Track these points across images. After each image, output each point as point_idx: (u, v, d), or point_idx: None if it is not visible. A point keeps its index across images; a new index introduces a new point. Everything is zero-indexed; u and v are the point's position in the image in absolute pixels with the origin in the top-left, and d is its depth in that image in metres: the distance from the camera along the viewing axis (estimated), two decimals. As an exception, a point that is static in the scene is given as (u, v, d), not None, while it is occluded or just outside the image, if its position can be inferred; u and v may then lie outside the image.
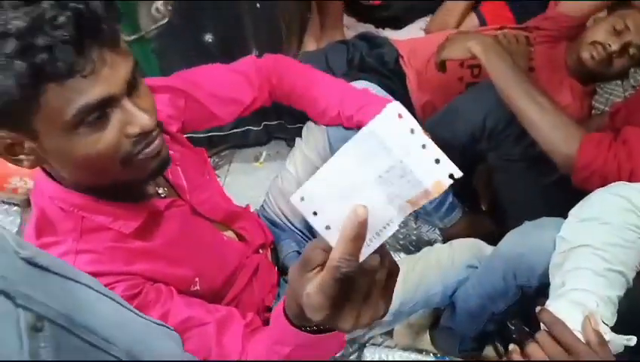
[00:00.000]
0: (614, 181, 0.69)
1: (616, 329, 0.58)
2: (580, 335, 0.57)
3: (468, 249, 0.91)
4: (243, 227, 0.81)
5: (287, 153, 1.37)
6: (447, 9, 1.43)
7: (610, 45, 1.09)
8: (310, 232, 0.93)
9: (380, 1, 1.54)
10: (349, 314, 0.37)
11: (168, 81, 0.77)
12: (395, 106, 0.35)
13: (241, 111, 0.84)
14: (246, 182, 1.37)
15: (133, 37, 1.19)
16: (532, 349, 0.57)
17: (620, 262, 0.59)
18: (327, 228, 0.36)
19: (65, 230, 0.57)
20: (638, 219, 0.61)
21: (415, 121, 0.35)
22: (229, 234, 0.78)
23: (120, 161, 0.53)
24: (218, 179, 0.90)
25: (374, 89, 0.89)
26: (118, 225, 0.59)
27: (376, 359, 1.06)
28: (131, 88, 0.52)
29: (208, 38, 1.40)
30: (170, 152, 0.59)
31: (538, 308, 0.61)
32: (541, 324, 0.60)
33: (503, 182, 1.05)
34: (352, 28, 1.58)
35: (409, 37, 1.42)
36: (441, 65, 1.02)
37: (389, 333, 1.06)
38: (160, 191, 0.66)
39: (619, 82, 1.25)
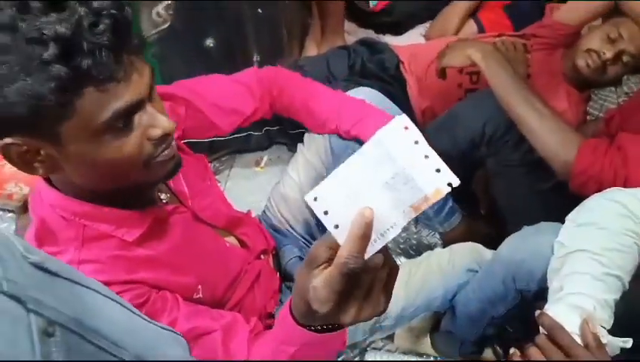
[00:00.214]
0: (610, 186, 0.70)
1: (613, 331, 0.60)
2: (578, 339, 0.58)
3: (468, 253, 0.92)
4: (245, 233, 0.81)
5: (288, 158, 1.38)
6: (446, 16, 1.45)
7: (604, 53, 1.11)
8: (312, 238, 0.93)
9: (381, 7, 1.56)
10: (351, 308, 0.41)
11: (169, 88, 0.77)
12: (402, 119, 0.39)
13: (241, 121, 0.85)
14: (247, 187, 1.38)
15: (135, 42, 1.20)
16: (532, 352, 0.58)
17: (617, 267, 0.61)
18: (336, 226, 0.39)
19: (66, 239, 0.57)
20: (634, 225, 0.63)
21: (420, 133, 0.38)
22: (231, 240, 0.79)
23: (142, 163, 0.54)
24: (219, 185, 0.90)
25: (376, 96, 0.91)
26: (121, 232, 0.59)
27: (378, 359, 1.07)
28: (151, 91, 0.54)
29: (209, 42, 1.41)
30: None
31: (537, 312, 0.62)
32: (540, 328, 0.61)
33: (501, 188, 1.07)
34: (352, 33, 1.60)
35: (409, 43, 1.44)
36: (442, 72, 1.03)
37: (390, 337, 1.07)
38: (162, 197, 0.66)
39: (612, 89, 1.27)
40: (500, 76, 0.88)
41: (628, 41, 1.11)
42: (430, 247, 1.22)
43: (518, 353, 0.60)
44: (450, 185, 0.37)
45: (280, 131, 1.33)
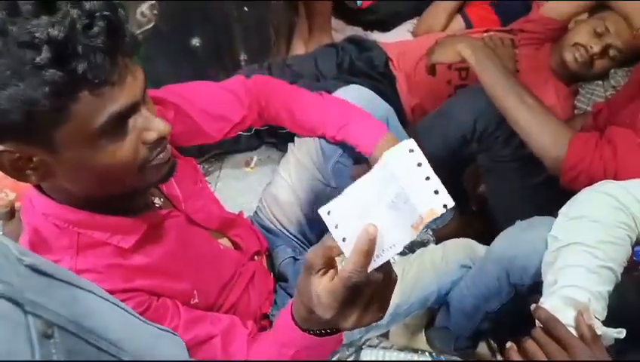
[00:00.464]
0: (600, 180, 0.71)
1: (607, 322, 0.60)
2: (573, 330, 0.58)
3: (461, 249, 0.92)
4: (238, 234, 0.81)
5: (278, 158, 1.37)
6: (433, 12, 1.45)
7: (591, 47, 1.13)
8: (305, 238, 0.93)
9: (368, 5, 1.56)
10: (352, 315, 0.45)
11: (158, 92, 0.76)
12: (409, 142, 0.42)
13: (229, 128, 0.84)
14: (237, 187, 1.36)
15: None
16: (528, 345, 0.59)
17: (610, 259, 0.61)
18: (344, 240, 0.43)
19: (60, 247, 0.56)
20: (625, 217, 0.63)
21: (423, 156, 0.41)
22: (225, 241, 0.78)
23: (138, 167, 0.54)
24: (209, 186, 0.90)
25: (366, 94, 0.90)
26: (116, 239, 0.58)
27: (373, 360, 1.07)
28: (144, 95, 0.53)
29: (195, 42, 1.39)
30: None
31: (533, 306, 0.63)
32: (536, 321, 0.62)
33: (493, 183, 1.07)
34: (340, 31, 1.59)
35: (397, 39, 1.44)
36: (431, 69, 1.03)
37: (386, 334, 1.07)
38: (155, 201, 0.66)
39: (600, 83, 1.29)
40: (490, 71, 0.88)
41: (614, 35, 1.12)
42: (423, 244, 1.22)
43: (515, 346, 0.61)
44: (445, 206, 0.39)
45: (269, 131, 1.31)
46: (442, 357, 1.04)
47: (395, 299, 0.87)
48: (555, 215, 0.71)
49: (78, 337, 0.30)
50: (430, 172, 0.39)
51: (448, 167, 1.08)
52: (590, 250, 0.62)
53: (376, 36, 1.52)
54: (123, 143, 0.51)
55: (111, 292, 0.51)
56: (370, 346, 1.08)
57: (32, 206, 0.57)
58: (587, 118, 1.12)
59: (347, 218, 0.42)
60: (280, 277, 0.88)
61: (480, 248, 0.91)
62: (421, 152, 0.40)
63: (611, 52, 1.13)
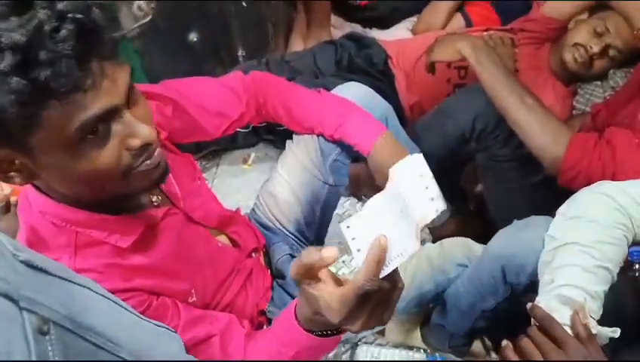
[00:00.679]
0: (598, 181, 0.71)
1: (601, 321, 0.61)
2: (569, 329, 0.59)
3: (458, 248, 0.92)
4: (236, 231, 0.81)
5: (275, 155, 1.37)
6: (433, 10, 1.45)
7: (591, 47, 1.13)
8: (302, 235, 0.93)
9: (367, 2, 1.55)
10: (360, 320, 0.47)
11: (155, 88, 0.75)
12: (414, 157, 0.45)
13: (228, 125, 0.83)
14: (234, 184, 1.36)
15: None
16: (524, 343, 0.59)
17: (607, 259, 0.62)
18: (358, 250, 0.46)
19: (58, 246, 0.55)
20: (623, 218, 0.64)
21: (426, 167, 0.44)
22: (223, 239, 0.78)
23: (120, 175, 0.52)
24: (206, 183, 0.89)
25: (365, 92, 0.90)
26: (114, 239, 0.57)
27: (369, 357, 1.07)
28: (130, 97, 0.50)
29: (193, 37, 1.38)
30: None
31: (529, 305, 0.63)
32: (532, 319, 0.62)
33: (491, 182, 1.08)
34: (339, 27, 1.59)
35: (396, 37, 1.44)
36: (431, 67, 1.03)
37: (381, 332, 1.08)
38: (154, 199, 0.65)
39: (599, 83, 1.29)
40: (490, 70, 0.88)
41: (614, 35, 1.12)
42: (420, 243, 1.22)
43: (511, 345, 0.61)
44: (437, 210, 0.43)
45: (267, 128, 1.31)
46: (437, 355, 1.05)
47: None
48: (552, 214, 0.71)
49: (75, 334, 0.30)
50: (429, 182, 0.43)
51: (446, 165, 1.08)
52: (587, 250, 0.62)
53: (376, 33, 1.52)
54: (104, 150, 0.49)
55: (111, 292, 0.51)
56: (365, 343, 1.09)
57: (29, 204, 0.57)
58: (585, 119, 1.12)
59: (363, 231, 0.46)
60: (277, 274, 0.88)
61: (477, 247, 0.92)
62: (425, 164, 0.43)
63: (611, 52, 1.13)
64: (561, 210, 0.70)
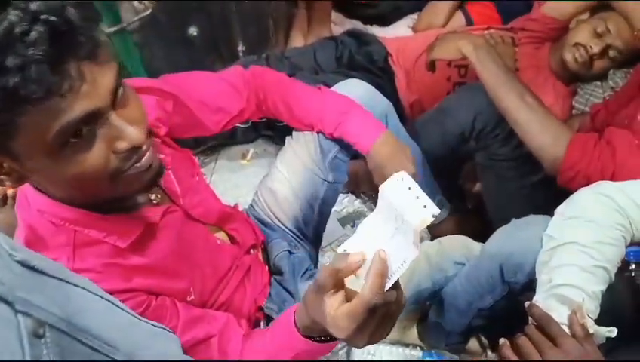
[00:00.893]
0: (597, 181, 0.71)
1: (598, 321, 0.61)
2: (566, 329, 0.59)
3: (456, 246, 0.92)
4: (235, 228, 0.80)
5: (274, 151, 1.37)
6: (434, 8, 1.44)
7: (591, 47, 1.13)
8: (300, 232, 0.93)
9: (368, -1, 1.55)
10: (366, 335, 0.47)
11: (155, 82, 0.74)
12: (399, 173, 0.46)
13: (228, 120, 0.83)
14: (233, 180, 1.36)
15: (113, 29, 1.16)
16: (521, 342, 0.59)
17: (605, 259, 0.62)
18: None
19: (57, 245, 0.54)
20: (621, 218, 0.64)
21: (410, 179, 0.45)
22: (221, 235, 0.78)
23: (109, 178, 0.50)
24: (205, 179, 0.89)
25: (366, 88, 0.90)
26: (113, 239, 0.56)
27: (365, 353, 1.07)
28: (116, 98, 0.48)
29: (193, 31, 1.37)
30: (162, 157, 0.57)
31: (527, 304, 0.63)
32: (530, 318, 0.62)
33: (490, 181, 1.08)
34: (339, 24, 1.58)
35: (397, 34, 1.43)
36: (431, 65, 1.03)
37: (378, 328, 1.08)
38: (152, 197, 0.64)
39: (598, 83, 1.29)
40: (491, 69, 0.88)
41: (615, 36, 1.13)
42: (418, 240, 1.22)
43: (508, 343, 0.61)
44: (433, 216, 0.44)
45: (266, 124, 1.31)
46: (433, 352, 1.05)
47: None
48: (551, 214, 0.71)
49: (71, 336, 0.29)
50: (419, 192, 0.45)
51: (446, 164, 1.08)
52: (585, 250, 0.62)
53: (376, 30, 1.51)
54: (89, 154, 0.47)
55: (110, 293, 0.49)
56: (362, 340, 1.09)
57: (27, 202, 0.56)
58: (585, 119, 1.12)
59: (360, 251, 0.47)
60: (275, 271, 0.87)
61: (475, 245, 0.92)
62: (410, 178, 0.45)
63: (611, 52, 1.13)
64: (560, 209, 0.70)
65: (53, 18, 0.41)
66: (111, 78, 0.46)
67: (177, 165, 0.69)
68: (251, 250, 0.84)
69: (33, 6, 0.40)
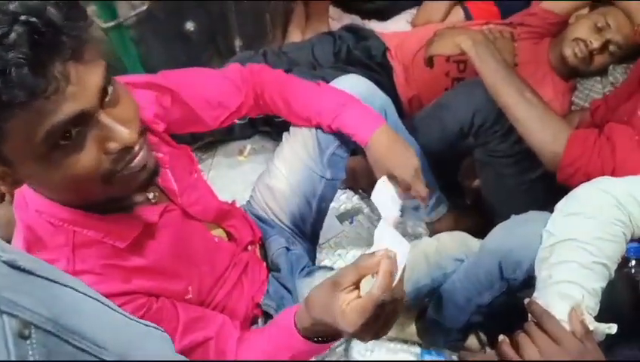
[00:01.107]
0: (597, 177, 0.71)
1: (597, 317, 0.61)
2: (566, 325, 0.59)
3: (455, 242, 0.92)
4: (233, 225, 0.80)
5: (272, 147, 1.36)
6: (432, 2, 1.43)
7: (591, 42, 1.12)
8: (298, 229, 0.92)
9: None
10: (372, 330, 0.50)
11: (154, 78, 0.74)
12: (381, 181, 0.55)
13: (227, 116, 0.82)
14: (230, 176, 1.35)
15: (110, 24, 1.15)
16: (521, 339, 0.59)
17: (605, 256, 0.61)
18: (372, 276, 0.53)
19: (56, 246, 0.54)
20: (621, 214, 0.63)
21: (386, 181, 0.55)
22: (219, 233, 0.77)
23: (101, 179, 0.49)
24: (203, 175, 0.89)
25: (364, 83, 0.89)
26: (112, 239, 0.56)
27: (363, 351, 1.07)
28: (105, 97, 0.47)
29: (190, 26, 1.36)
30: (160, 155, 0.57)
31: (526, 300, 0.63)
32: (529, 315, 0.62)
33: (489, 177, 1.07)
34: (337, 19, 1.57)
35: (395, 29, 1.42)
36: (430, 61, 1.02)
37: (376, 325, 1.08)
38: (150, 196, 0.63)
39: (598, 79, 1.29)
40: (490, 65, 0.87)
41: (615, 31, 1.12)
42: (416, 237, 1.22)
43: (507, 340, 0.61)
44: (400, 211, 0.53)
45: (264, 120, 1.30)
46: (432, 350, 1.05)
47: (389, 290, 0.88)
48: (550, 210, 0.70)
49: (58, 337, 0.29)
50: (392, 191, 0.54)
51: (444, 160, 1.07)
52: (585, 246, 0.62)
53: (374, 25, 1.50)
54: (80, 156, 0.46)
55: (110, 295, 0.49)
56: (360, 337, 1.09)
57: (25, 202, 0.55)
58: (584, 115, 1.12)
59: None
60: (273, 267, 0.87)
61: (474, 242, 0.91)
62: (388, 182, 0.55)
63: (611, 47, 1.13)
64: (560, 205, 0.69)
65: (33, 19, 0.40)
66: (98, 77, 0.45)
67: (175, 163, 0.69)
68: (249, 247, 0.84)
69: (12, 7, 0.39)
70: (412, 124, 1.04)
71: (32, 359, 0.26)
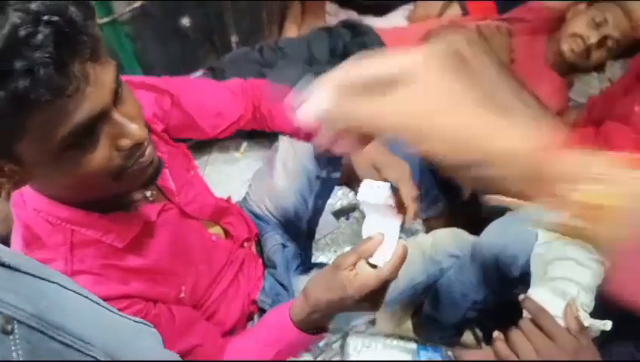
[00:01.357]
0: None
1: (592, 314, 0.61)
2: (561, 322, 0.59)
3: (451, 238, 0.92)
4: (229, 222, 0.80)
5: (268, 143, 1.36)
6: (429, -2, 1.42)
7: (589, 37, 1.12)
8: (294, 225, 0.92)
9: (363, -11, 1.53)
10: (371, 302, 0.58)
11: (155, 81, 0.74)
12: (366, 181, 0.57)
13: (226, 126, 0.81)
14: (226, 172, 1.35)
15: (105, 20, 1.14)
16: (515, 335, 0.59)
17: (601, 252, 0.61)
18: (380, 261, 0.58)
19: (54, 244, 0.54)
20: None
21: (373, 181, 0.56)
22: (216, 230, 0.77)
23: (112, 176, 0.50)
24: (200, 172, 0.88)
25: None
26: (110, 238, 0.56)
27: (360, 346, 1.07)
28: (117, 96, 0.48)
29: (185, 22, 1.35)
30: (159, 154, 0.57)
31: (521, 296, 0.63)
32: (524, 311, 0.62)
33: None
34: (333, 14, 1.56)
35: (392, 25, 1.42)
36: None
37: (372, 321, 1.08)
38: (148, 195, 0.63)
39: (595, 75, 1.29)
40: (485, 65, 0.86)
41: (613, 26, 1.12)
42: (412, 233, 1.22)
43: (502, 336, 0.61)
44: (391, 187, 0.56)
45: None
46: (428, 345, 1.05)
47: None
48: (546, 207, 0.70)
49: (42, 333, 0.29)
50: (375, 184, 0.56)
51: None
52: (581, 243, 0.61)
53: (371, 21, 1.49)
54: (93, 154, 0.47)
55: (108, 299, 0.49)
56: (356, 332, 1.09)
57: (23, 201, 0.55)
58: (581, 111, 1.12)
59: (381, 250, 0.58)
60: (269, 264, 0.87)
61: (470, 238, 0.91)
62: (373, 181, 0.56)
63: (609, 43, 1.13)
64: (556, 202, 0.69)
65: (56, 18, 0.40)
66: (112, 76, 0.46)
67: (173, 161, 0.69)
68: (245, 244, 0.83)
69: (34, 6, 0.39)
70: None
71: (14, 355, 0.26)
